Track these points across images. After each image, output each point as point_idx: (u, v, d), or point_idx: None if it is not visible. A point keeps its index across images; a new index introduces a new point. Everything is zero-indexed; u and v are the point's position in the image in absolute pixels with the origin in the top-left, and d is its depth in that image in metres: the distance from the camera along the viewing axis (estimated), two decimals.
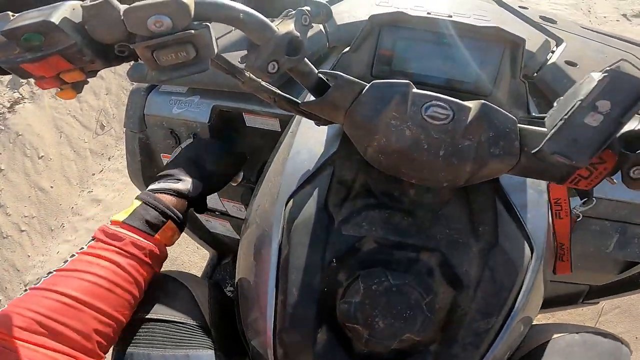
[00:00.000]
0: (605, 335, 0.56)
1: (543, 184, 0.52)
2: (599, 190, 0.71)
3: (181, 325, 0.51)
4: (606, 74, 0.34)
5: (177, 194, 0.58)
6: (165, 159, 0.93)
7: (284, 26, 0.39)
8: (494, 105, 0.40)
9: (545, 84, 0.65)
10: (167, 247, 0.57)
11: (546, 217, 0.50)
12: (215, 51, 0.35)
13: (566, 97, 0.39)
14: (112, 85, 2.64)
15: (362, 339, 0.41)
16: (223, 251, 1.23)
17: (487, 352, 0.44)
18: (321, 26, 0.76)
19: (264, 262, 0.47)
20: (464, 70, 0.60)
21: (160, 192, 0.57)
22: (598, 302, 1.02)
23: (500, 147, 0.39)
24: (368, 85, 0.42)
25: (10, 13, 0.35)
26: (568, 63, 0.72)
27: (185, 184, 0.59)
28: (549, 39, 0.80)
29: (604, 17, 4.08)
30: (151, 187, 0.59)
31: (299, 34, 0.39)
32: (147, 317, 0.51)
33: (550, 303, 0.99)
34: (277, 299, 0.45)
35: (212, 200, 0.96)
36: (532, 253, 0.47)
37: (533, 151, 0.38)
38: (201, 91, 0.84)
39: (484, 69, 0.60)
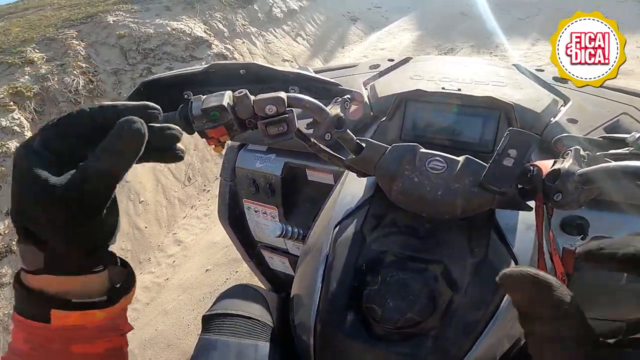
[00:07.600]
0: None
1: (531, 220, 0.66)
2: (604, 230, 0.81)
3: (255, 321, 0.64)
4: (507, 132, 0.53)
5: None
6: (246, 203, 1.13)
7: (333, 109, 0.59)
8: (474, 158, 0.57)
9: (548, 141, 0.70)
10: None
11: (532, 244, 0.63)
12: (297, 127, 0.58)
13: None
14: (199, 142, 3.02)
15: (377, 315, 0.54)
16: (278, 288, 1.35)
17: (477, 339, 0.55)
18: (366, 99, 0.96)
19: (316, 266, 0.65)
20: (467, 132, 0.78)
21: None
22: None
23: (478, 187, 0.56)
24: (390, 147, 0.63)
25: (202, 96, 0.52)
26: (570, 120, 0.82)
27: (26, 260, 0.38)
28: (557, 98, 0.91)
29: (630, 70, 4.00)
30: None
31: (342, 115, 0.59)
32: (230, 312, 0.65)
33: None
34: (321, 291, 0.61)
35: (277, 239, 1.12)
36: None
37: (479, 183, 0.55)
38: (277, 150, 1.07)
39: (485, 130, 0.78)
